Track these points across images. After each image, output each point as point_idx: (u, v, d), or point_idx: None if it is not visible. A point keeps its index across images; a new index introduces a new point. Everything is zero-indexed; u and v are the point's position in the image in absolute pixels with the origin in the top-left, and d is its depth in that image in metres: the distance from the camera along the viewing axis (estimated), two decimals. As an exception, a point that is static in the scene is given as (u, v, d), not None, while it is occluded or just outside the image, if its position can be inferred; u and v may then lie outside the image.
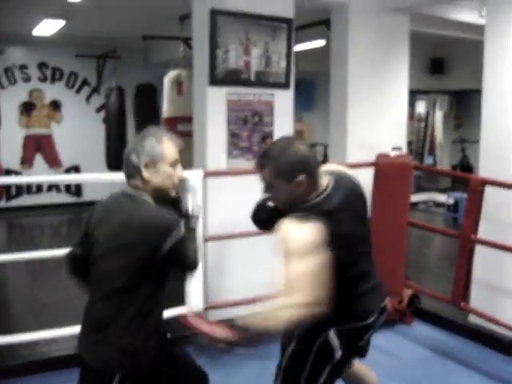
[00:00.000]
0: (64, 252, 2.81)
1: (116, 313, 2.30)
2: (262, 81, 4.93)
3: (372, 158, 5.06)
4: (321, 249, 2.09)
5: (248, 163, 4.81)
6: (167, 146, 2.38)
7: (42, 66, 11.24)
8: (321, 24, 6.39)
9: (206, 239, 4.55)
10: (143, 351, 2.32)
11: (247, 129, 4.87)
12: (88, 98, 11.69)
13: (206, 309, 4.59)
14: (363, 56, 5.46)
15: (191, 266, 2.43)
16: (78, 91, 11.61)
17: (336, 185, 2.35)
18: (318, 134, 12.83)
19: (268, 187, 2.32)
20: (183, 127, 6.49)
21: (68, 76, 11.47)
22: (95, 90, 11.67)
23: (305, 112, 12.84)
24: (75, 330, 4.15)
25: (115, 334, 2.30)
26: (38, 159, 11.11)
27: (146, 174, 2.34)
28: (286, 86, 5.05)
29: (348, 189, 2.41)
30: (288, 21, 5.02)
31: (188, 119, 5.69)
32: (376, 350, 4.45)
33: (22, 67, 11.08)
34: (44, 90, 11.33)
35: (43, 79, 11.30)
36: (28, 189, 10.87)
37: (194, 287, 4.43)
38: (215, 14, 4.68)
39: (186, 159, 4.98)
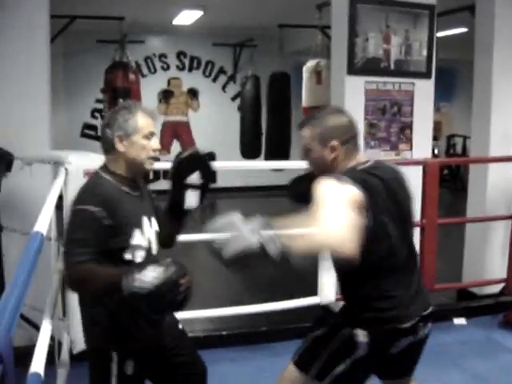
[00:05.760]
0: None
1: None
2: (402, 70, 4.80)
3: (517, 151, 4.83)
4: (355, 209, 2.03)
5: (385, 154, 4.72)
6: (141, 118, 2.32)
7: (180, 54, 11.61)
8: (464, 10, 6.15)
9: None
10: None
11: (385, 119, 4.77)
12: (224, 87, 11.95)
13: (337, 300, 4.56)
14: (510, 44, 5.17)
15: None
16: (214, 79, 11.89)
17: (376, 167, 2.30)
18: (457, 125, 12.43)
19: (305, 150, 2.35)
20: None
21: (205, 65, 11.78)
22: (231, 79, 11.90)
23: (443, 102, 12.43)
24: (206, 312, 4.36)
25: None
26: (175, 145, 11.46)
27: (119, 147, 2.28)
28: (427, 75, 4.88)
29: (390, 177, 2.32)
30: (430, 7, 4.85)
31: (327, 109, 5.66)
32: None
33: (162, 56, 11.49)
34: (182, 78, 11.68)
35: (181, 68, 11.66)
36: (165, 174, 11.21)
37: (327, 278, 4.41)
38: (355, 2, 4.60)
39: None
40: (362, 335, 2.22)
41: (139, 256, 2.29)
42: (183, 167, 2.48)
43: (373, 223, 2.13)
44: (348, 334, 2.25)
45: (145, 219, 2.36)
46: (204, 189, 2.49)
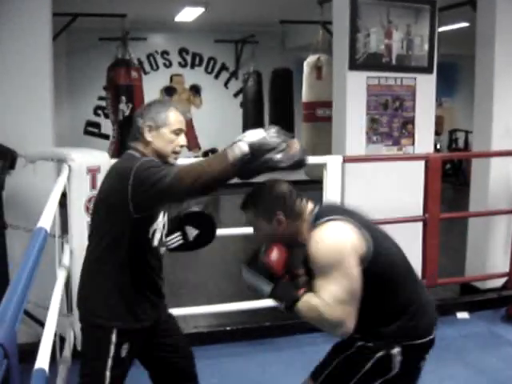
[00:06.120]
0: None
1: None
2: (404, 65, 4.81)
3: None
4: (354, 253, 2.07)
5: (387, 149, 4.73)
6: (172, 113, 2.37)
7: (182, 51, 11.59)
8: (465, 5, 6.13)
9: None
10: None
11: (387, 114, 4.78)
12: (226, 83, 11.94)
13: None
14: (512, 38, 5.17)
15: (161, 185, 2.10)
16: (216, 76, 11.88)
17: (326, 207, 2.36)
18: (459, 120, 12.42)
19: (254, 229, 2.29)
20: (322, 112, 6.51)
21: (207, 61, 11.77)
22: (233, 75, 11.89)
23: (445, 97, 12.43)
24: (210, 308, 4.37)
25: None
26: (178, 142, 11.44)
27: (147, 136, 2.34)
28: (428, 70, 4.89)
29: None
30: (431, 2, 4.86)
31: (327, 104, 5.65)
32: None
33: (164, 53, 11.48)
34: (184, 75, 11.68)
35: (183, 64, 11.65)
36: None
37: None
38: (356, -3, 4.60)
39: (326, 144, 4.99)
40: (398, 354, 2.18)
41: (156, 238, 2.38)
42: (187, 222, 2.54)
43: (377, 249, 2.16)
44: (385, 355, 2.19)
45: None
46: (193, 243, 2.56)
